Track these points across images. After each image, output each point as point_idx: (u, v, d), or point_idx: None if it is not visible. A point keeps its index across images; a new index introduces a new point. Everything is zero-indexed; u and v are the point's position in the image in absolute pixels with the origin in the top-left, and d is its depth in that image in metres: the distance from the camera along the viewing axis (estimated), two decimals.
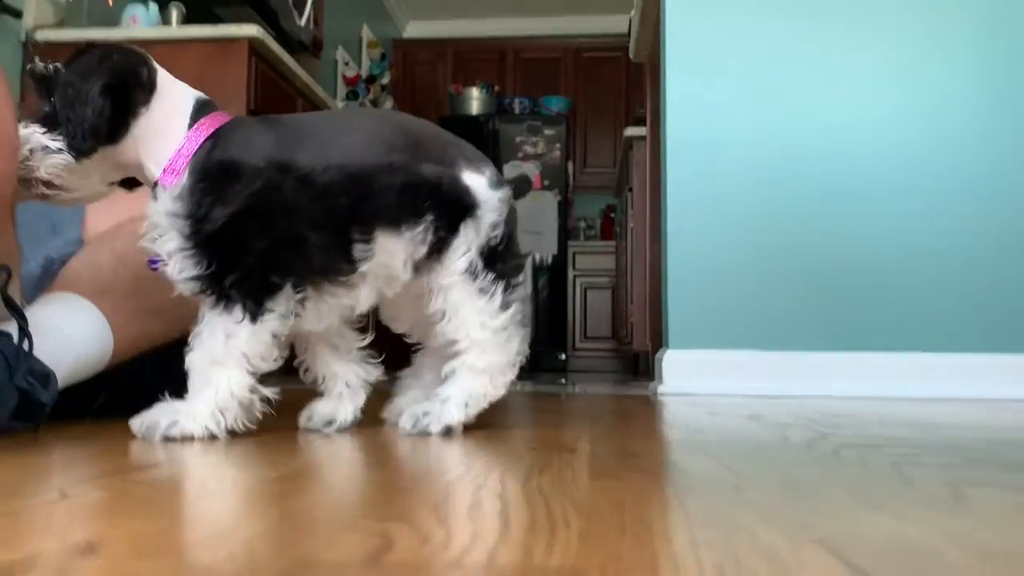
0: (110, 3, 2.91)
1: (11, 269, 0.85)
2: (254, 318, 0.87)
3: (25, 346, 0.84)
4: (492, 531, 0.45)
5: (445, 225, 0.95)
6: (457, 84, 6.18)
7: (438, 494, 0.58)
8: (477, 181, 0.99)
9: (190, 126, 0.90)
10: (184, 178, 0.87)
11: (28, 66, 0.87)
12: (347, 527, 0.46)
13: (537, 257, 5.59)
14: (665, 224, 2.35)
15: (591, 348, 5.75)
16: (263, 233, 0.87)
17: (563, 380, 3.45)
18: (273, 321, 0.88)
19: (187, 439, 0.86)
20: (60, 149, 0.85)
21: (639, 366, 4.28)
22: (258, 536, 0.43)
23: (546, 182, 5.67)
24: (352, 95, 5.06)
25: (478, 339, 0.97)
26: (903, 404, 1.82)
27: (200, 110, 0.91)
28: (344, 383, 1.03)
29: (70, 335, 0.97)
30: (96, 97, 0.84)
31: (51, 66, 0.86)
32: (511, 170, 5.66)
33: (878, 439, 1.02)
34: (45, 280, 1.13)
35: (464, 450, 0.84)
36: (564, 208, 5.68)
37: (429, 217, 0.94)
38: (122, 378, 1.13)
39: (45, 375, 0.87)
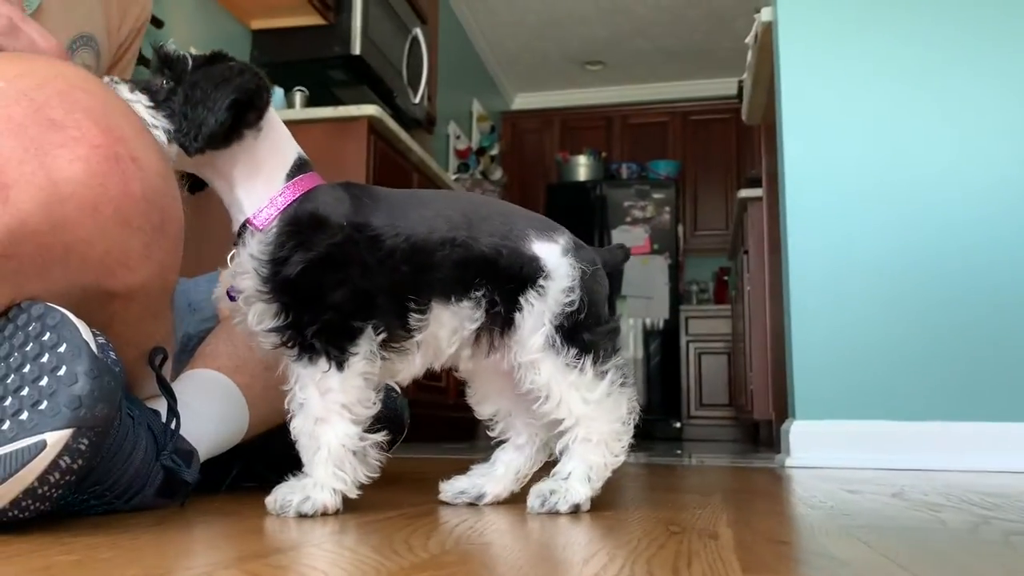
0: None
1: (167, 351, 0.89)
2: (340, 365, 0.88)
3: (173, 425, 0.87)
4: None
5: (505, 298, 0.94)
6: (564, 152, 6.25)
7: None
8: (547, 249, 0.97)
9: (288, 177, 0.93)
10: (274, 225, 0.89)
11: (160, 44, 0.88)
12: None
13: (648, 322, 5.51)
14: (787, 289, 2.27)
15: (707, 416, 5.58)
16: (340, 283, 0.88)
17: (678, 451, 3.34)
18: (359, 363, 0.89)
19: (320, 513, 0.87)
20: (166, 132, 0.86)
21: (759, 435, 4.12)
22: None
23: (656, 246, 5.61)
24: (463, 167, 5.19)
25: (583, 414, 0.95)
26: None
27: (301, 167, 0.95)
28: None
29: (211, 412, 1.00)
30: (223, 109, 0.86)
31: (180, 52, 0.88)
32: (620, 235, 5.64)
33: None
34: (183, 356, 1.17)
35: (598, 533, 0.81)
36: (675, 272, 5.60)
37: (480, 293, 0.93)
38: (253, 450, 1.16)
39: (189, 453, 0.90)
